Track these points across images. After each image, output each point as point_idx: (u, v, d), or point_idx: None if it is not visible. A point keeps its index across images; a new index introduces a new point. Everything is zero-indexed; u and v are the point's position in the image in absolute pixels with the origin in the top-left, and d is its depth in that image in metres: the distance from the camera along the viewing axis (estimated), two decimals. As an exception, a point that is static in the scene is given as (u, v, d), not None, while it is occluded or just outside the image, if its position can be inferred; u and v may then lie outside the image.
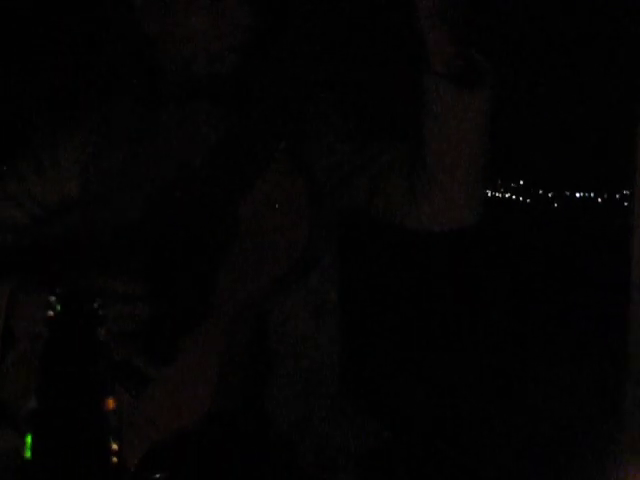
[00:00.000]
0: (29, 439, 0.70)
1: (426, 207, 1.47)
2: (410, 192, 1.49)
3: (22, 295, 1.31)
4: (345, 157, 1.56)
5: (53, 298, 0.70)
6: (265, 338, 1.49)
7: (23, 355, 1.34)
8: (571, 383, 3.77)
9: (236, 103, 1.52)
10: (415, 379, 4.03)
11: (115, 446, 0.72)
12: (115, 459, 0.72)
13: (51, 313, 0.70)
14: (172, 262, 1.43)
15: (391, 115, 1.68)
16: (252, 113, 1.53)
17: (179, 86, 1.52)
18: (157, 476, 1.15)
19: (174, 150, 1.51)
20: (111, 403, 0.71)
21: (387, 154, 1.54)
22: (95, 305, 0.70)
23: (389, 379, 3.96)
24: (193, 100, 1.51)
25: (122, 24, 1.58)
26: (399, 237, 1.60)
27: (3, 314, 1.32)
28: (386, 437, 1.59)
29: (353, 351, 1.69)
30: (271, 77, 1.60)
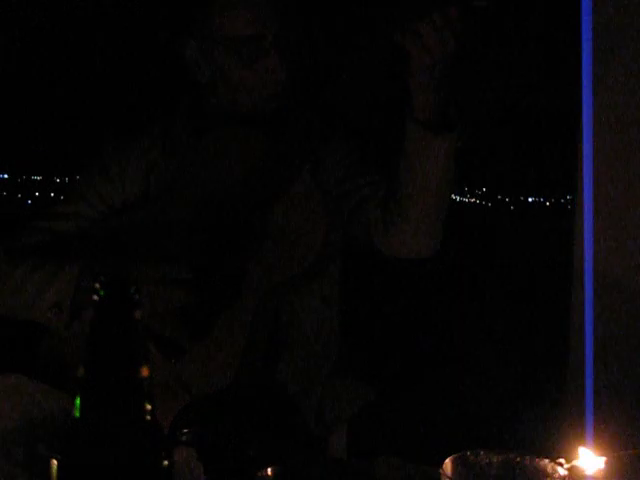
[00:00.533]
0: (78, 401, 0.70)
1: (394, 236, 1.45)
2: (382, 222, 1.47)
3: (85, 275, 1.33)
4: (353, 182, 1.56)
5: (97, 285, 0.69)
6: (280, 322, 1.50)
7: (86, 325, 1.34)
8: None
9: (270, 130, 1.53)
10: (404, 359, 4.01)
11: (149, 406, 0.72)
12: (149, 417, 0.72)
13: (96, 297, 0.70)
14: (211, 256, 1.43)
15: (372, 150, 1.67)
16: (283, 138, 1.53)
17: (222, 116, 1.53)
18: (185, 431, 1.15)
19: (217, 165, 1.52)
20: (145, 371, 0.71)
21: (367, 186, 1.53)
22: (132, 290, 0.70)
23: (381, 356, 3.95)
24: (233, 126, 1.52)
25: (175, 69, 1.59)
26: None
27: (72, 291, 1.33)
28: (372, 398, 1.58)
29: (349, 334, 1.68)
30: (299, 109, 1.61)
